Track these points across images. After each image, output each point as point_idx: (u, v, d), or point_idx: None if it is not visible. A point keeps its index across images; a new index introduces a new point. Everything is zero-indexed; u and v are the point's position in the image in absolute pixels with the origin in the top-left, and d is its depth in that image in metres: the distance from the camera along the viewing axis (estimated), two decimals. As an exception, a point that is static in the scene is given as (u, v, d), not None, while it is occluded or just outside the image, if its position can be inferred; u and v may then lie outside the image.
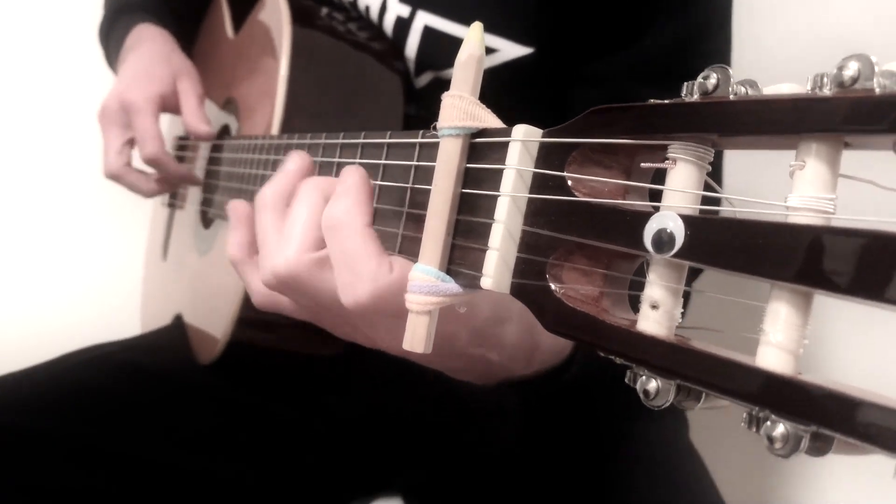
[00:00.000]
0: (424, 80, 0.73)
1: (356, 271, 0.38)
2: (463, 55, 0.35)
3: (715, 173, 0.67)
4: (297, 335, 0.76)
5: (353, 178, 0.40)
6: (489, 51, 0.68)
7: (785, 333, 0.25)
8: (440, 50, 0.70)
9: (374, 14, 0.73)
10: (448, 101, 0.36)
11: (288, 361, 0.79)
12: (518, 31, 0.68)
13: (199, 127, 0.77)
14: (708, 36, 0.69)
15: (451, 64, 0.69)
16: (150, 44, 0.82)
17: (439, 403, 0.79)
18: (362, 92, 0.71)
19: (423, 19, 0.70)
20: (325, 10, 0.74)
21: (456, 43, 0.71)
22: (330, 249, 0.39)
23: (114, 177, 0.79)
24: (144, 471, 0.71)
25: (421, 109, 0.74)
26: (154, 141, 0.75)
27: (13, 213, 1.29)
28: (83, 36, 0.99)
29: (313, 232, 0.41)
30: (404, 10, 0.71)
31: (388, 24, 0.72)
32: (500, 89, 0.67)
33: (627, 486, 0.69)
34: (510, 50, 0.68)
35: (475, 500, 0.76)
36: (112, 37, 0.93)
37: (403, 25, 0.71)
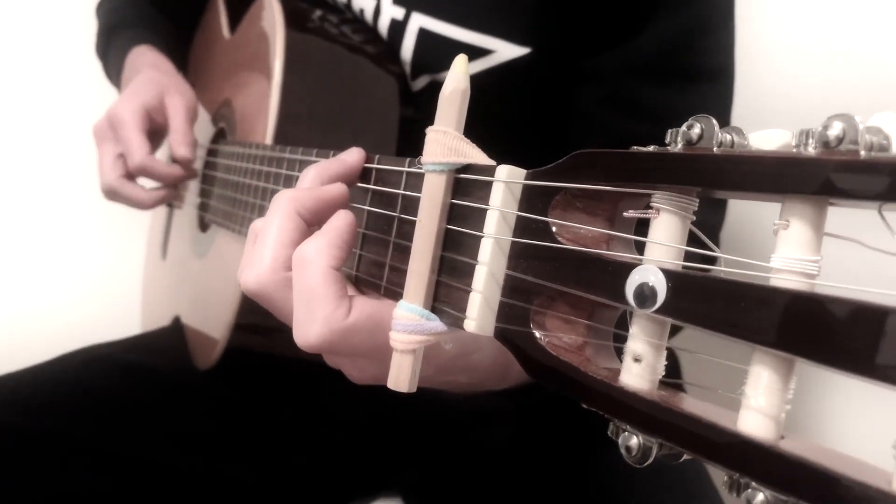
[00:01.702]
0: (421, 83, 0.72)
1: (312, 311, 0.38)
2: (447, 89, 0.35)
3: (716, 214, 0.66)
4: (293, 341, 0.75)
5: (336, 221, 0.40)
6: (486, 52, 0.67)
7: (766, 398, 0.24)
8: (436, 52, 0.69)
9: (368, 16, 0.72)
10: (432, 136, 0.35)
11: (287, 364, 0.79)
12: (514, 32, 0.67)
13: (178, 149, 0.76)
14: (710, 32, 0.68)
15: (447, 67, 0.68)
16: (145, 70, 0.82)
17: (437, 404, 0.79)
18: (358, 96, 0.70)
19: (419, 21, 0.69)
20: (318, 13, 0.73)
21: (452, 45, 0.70)
22: (294, 283, 0.39)
23: (111, 191, 0.78)
24: (145, 471, 0.71)
25: (419, 113, 0.74)
26: (139, 149, 0.75)
27: (12, 214, 1.29)
28: (82, 40, 0.99)
29: (285, 250, 0.41)
30: (399, 13, 0.70)
31: (383, 26, 0.71)
32: (497, 90, 0.66)
33: (626, 486, 0.69)
34: (507, 51, 0.67)
35: (474, 500, 0.76)
36: (110, 55, 0.93)
37: (398, 28, 0.70)
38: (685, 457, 0.28)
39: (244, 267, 0.43)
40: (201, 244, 0.82)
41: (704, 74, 0.68)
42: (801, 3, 0.90)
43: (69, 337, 0.85)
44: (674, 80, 0.67)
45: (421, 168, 0.36)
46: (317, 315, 0.37)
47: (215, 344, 0.72)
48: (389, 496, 0.85)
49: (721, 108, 0.69)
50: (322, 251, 0.38)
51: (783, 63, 0.91)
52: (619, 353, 0.32)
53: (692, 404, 0.26)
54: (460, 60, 0.35)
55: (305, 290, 0.38)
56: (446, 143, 0.34)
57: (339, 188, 0.43)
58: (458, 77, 0.35)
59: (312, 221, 0.42)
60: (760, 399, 0.24)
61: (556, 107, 0.71)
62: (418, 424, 0.81)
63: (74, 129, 1.21)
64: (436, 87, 0.71)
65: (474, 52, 0.68)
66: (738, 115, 0.69)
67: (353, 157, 0.45)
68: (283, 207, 0.41)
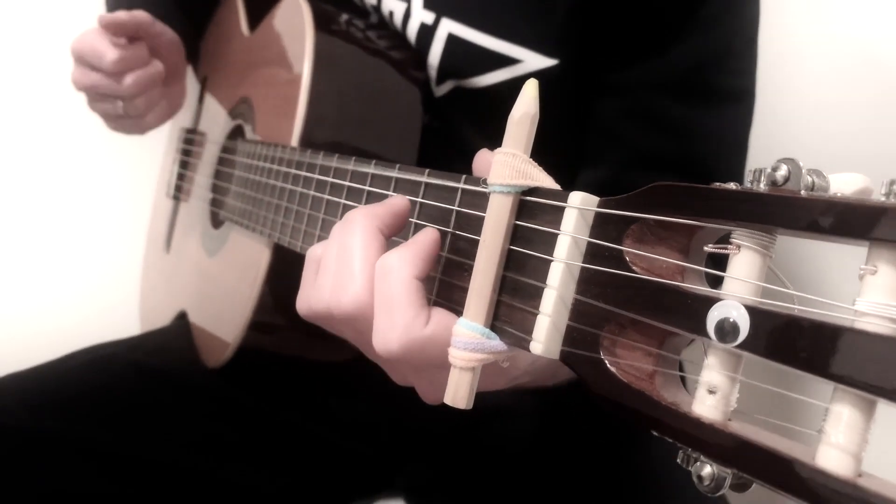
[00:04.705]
0: (445, 88, 0.72)
1: (393, 319, 0.38)
2: (517, 113, 0.35)
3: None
4: (307, 342, 0.76)
5: (423, 237, 0.40)
6: (513, 61, 0.68)
7: (846, 436, 0.25)
8: (464, 59, 0.70)
9: (397, 20, 0.72)
10: (500, 157, 0.35)
11: (295, 366, 0.79)
12: (543, 43, 0.67)
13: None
14: (735, 53, 0.69)
15: (473, 73, 0.69)
16: None
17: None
18: (382, 103, 0.70)
19: (448, 27, 0.69)
20: (345, 17, 0.73)
21: (480, 52, 0.71)
22: (376, 291, 0.39)
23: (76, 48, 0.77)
24: (149, 471, 0.71)
25: (438, 119, 0.74)
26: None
27: (12, 212, 1.27)
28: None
29: (371, 269, 0.40)
30: (428, 17, 0.70)
31: (412, 30, 0.71)
32: None
33: (641, 490, 0.69)
34: (534, 61, 0.68)
35: (480, 500, 0.77)
36: None
37: (427, 33, 0.70)
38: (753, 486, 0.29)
39: (320, 291, 0.42)
40: (213, 241, 0.82)
41: (728, 95, 0.69)
42: (819, 24, 0.92)
43: (70, 335, 0.84)
44: (698, 98, 0.68)
45: (487, 188, 0.36)
46: (397, 323, 0.38)
47: (227, 343, 0.72)
48: (391, 496, 0.85)
49: (742, 128, 0.70)
50: (406, 260, 0.38)
51: (800, 80, 0.93)
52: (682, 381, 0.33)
53: (767, 437, 0.27)
54: (531, 85, 0.35)
55: (387, 297, 0.38)
56: (515, 165, 0.35)
57: (406, 200, 0.43)
58: (528, 101, 0.35)
59: (389, 236, 0.42)
60: (840, 436, 0.25)
61: (577, 118, 0.71)
62: (427, 424, 0.81)
63: (73, 129, 1.20)
64: (460, 92, 0.72)
65: (502, 61, 0.68)
66: (755, 135, 0.71)
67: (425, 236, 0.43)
68: (364, 225, 0.41)
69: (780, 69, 0.86)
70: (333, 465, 0.81)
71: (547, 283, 0.33)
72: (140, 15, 0.77)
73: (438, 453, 0.81)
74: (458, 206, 0.40)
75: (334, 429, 0.81)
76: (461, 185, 0.41)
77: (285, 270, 0.67)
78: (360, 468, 0.82)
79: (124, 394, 0.75)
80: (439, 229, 0.41)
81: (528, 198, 0.36)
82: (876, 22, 0.88)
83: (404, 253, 0.39)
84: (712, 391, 0.28)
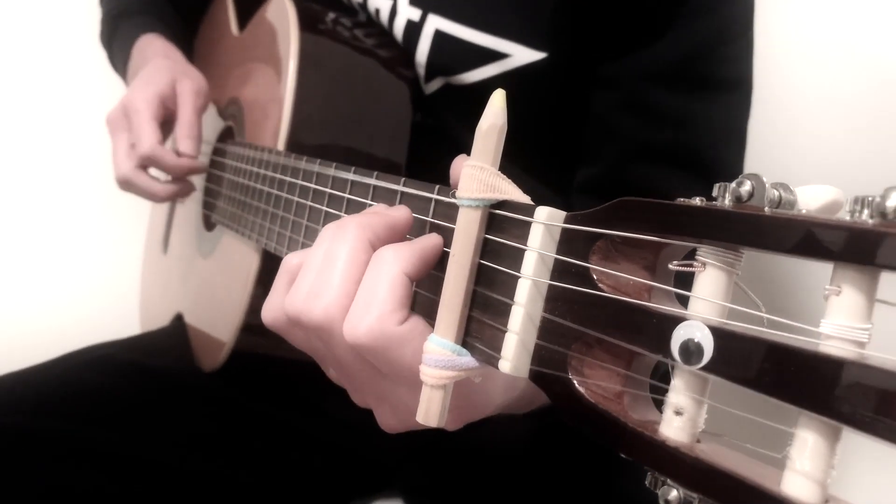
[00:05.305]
0: (435, 85, 0.71)
1: (370, 306, 0.37)
2: (484, 125, 0.34)
3: None
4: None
5: (426, 240, 0.38)
6: (501, 56, 0.67)
7: (812, 462, 0.25)
8: (451, 55, 0.69)
9: (384, 17, 0.71)
10: (468, 171, 0.35)
11: (292, 367, 0.79)
12: (531, 36, 0.67)
13: (182, 143, 0.75)
14: (729, 41, 0.67)
15: (462, 69, 0.69)
16: (155, 59, 0.81)
17: None
18: (370, 101, 0.70)
19: (435, 23, 0.68)
20: (331, 15, 0.73)
21: (467, 48, 0.70)
22: (363, 280, 0.38)
23: (125, 181, 0.77)
24: (149, 471, 0.71)
25: (429, 117, 0.73)
26: (148, 138, 0.74)
27: (11, 212, 1.27)
28: (82, 34, 0.97)
29: (355, 286, 0.38)
30: (415, 14, 0.69)
31: (399, 27, 0.70)
32: (512, 95, 0.66)
33: (639, 493, 0.69)
34: (523, 55, 0.67)
35: (478, 500, 0.77)
36: (115, 43, 0.92)
37: (414, 29, 0.69)
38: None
39: (295, 294, 0.40)
40: (207, 243, 0.82)
41: (723, 83, 0.68)
42: (819, 11, 0.90)
43: (70, 335, 0.84)
44: (693, 88, 0.67)
45: (455, 200, 0.36)
46: (372, 311, 0.36)
47: (222, 345, 0.72)
48: (390, 496, 0.85)
49: (739, 118, 0.69)
50: (401, 257, 0.37)
51: (800, 72, 0.91)
52: (655, 401, 0.32)
53: (734, 460, 0.27)
54: (498, 96, 0.34)
55: (371, 286, 0.37)
56: (483, 178, 0.34)
57: (408, 214, 0.41)
58: (496, 113, 0.34)
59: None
60: (805, 463, 0.25)
61: (572, 112, 0.70)
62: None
63: (73, 128, 1.20)
64: (449, 89, 0.71)
65: (490, 56, 0.67)
66: (753, 125, 0.69)
67: (428, 240, 0.41)
68: (355, 235, 0.38)
69: (781, 63, 0.84)
70: (332, 465, 0.81)
71: (515, 299, 0.33)
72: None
73: (436, 454, 0.81)
74: (432, 218, 0.40)
75: (333, 429, 0.81)
76: (434, 196, 0.40)
77: (275, 273, 0.67)
78: (358, 468, 0.82)
79: (123, 394, 0.75)
80: (411, 238, 0.41)
81: (497, 211, 0.35)
82: (875, 19, 0.86)
83: (402, 249, 0.37)
84: (679, 413, 0.28)
